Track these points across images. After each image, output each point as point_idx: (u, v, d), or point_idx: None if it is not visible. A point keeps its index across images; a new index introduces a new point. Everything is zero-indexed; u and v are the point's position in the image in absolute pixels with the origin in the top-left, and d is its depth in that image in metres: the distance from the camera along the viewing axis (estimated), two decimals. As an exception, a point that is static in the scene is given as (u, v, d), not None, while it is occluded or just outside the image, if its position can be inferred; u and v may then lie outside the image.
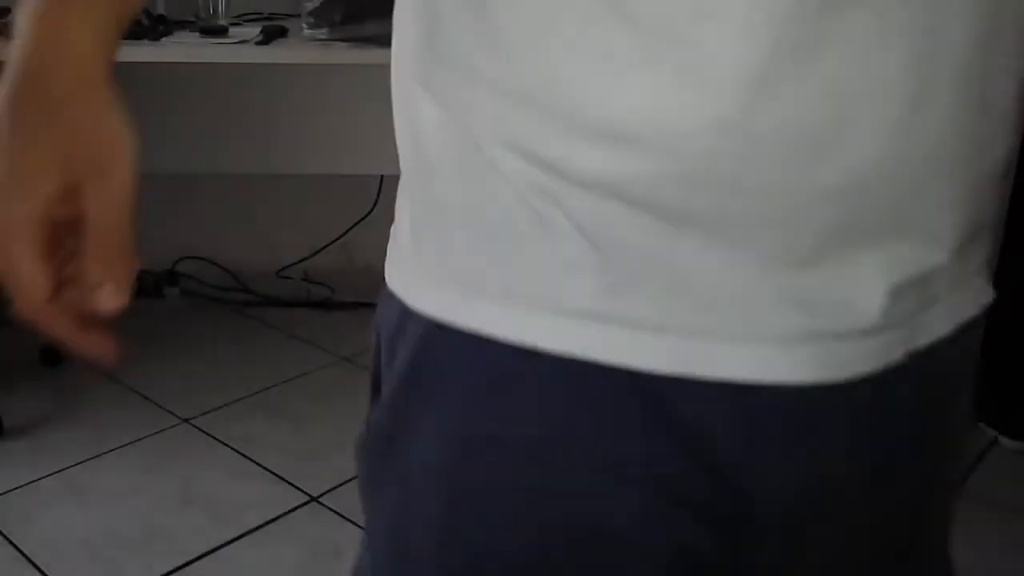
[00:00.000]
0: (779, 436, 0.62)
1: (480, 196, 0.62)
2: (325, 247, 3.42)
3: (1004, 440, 2.64)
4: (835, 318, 0.60)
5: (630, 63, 0.55)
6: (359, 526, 2.21)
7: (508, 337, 0.61)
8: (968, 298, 0.72)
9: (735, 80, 0.54)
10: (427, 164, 0.65)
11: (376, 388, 0.76)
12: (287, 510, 2.31)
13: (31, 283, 0.59)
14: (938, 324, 0.67)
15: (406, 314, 0.67)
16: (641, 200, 0.57)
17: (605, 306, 0.60)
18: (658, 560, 0.63)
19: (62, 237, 0.60)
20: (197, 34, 2.54)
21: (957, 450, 0.76)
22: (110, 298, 0.62)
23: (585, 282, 0.60)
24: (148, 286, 3.42)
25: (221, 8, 2.55)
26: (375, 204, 3.25)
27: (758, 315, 0.59)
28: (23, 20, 0.60)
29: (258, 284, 3.48)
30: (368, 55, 2.38)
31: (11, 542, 2.17)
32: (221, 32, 2.53)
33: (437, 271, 0.65)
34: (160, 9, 2.72)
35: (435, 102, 0.63)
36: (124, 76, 2.76)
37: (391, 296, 0.70)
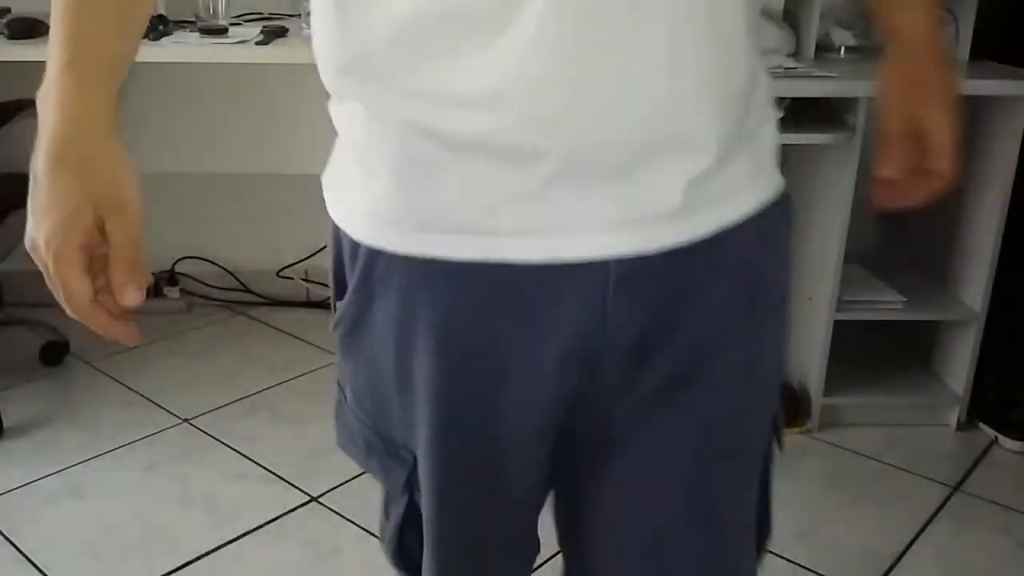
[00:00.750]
0: (613, 297, 0.88)
1: (393, 161, 0.88)
2: (325, 247, 3.39)
3: (1004, 440, 2.64)
4: (646, 208, 0.86)
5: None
6: (359, 526, 2.23)
7: (420, 253, 0.88)
8: (744, 196, 0.92)
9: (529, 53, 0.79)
10: (355, 139, 0.93)
11: (338, 285, 1.00)
12: (287, 510, 2.32)
13: (79, 293, 0.83)
14: (725, 213, 0.90)
15: (354, 243, 0.93)
16: (502, 146, 0.82)
17: (483, 226, 0.86)
18: (533, 384, 0.93)
19: (93, 256, 0.84)
20: (197, 34, 2.54)
21: (766, 303, 0.98)
22: (132, 295, 0.84)
23: (469, 210, 0.86)
24: (148, 286, 3.41)
25: (221, 8, 2.55)
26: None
27: (596, 215, 0.85)
28: (46, 105, 0.83)
29: (258, 284, 3.49)
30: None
31: (11, 542, 2.18)
32: (221, 32, 2.53)
33: (366, 212, 0.92)
34: (160, 9, 2.71)
35: (354, 98, 0.90)
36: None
37: (335, 223, 0.98)
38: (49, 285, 0.85)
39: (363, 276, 0.93)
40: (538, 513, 1.07)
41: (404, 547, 1.08)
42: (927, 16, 1.03)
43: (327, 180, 1.01)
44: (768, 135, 0.96)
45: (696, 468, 0.97)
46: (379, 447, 1.03)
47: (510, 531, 1.07)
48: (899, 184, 1.03)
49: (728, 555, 1.03)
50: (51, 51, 0.85)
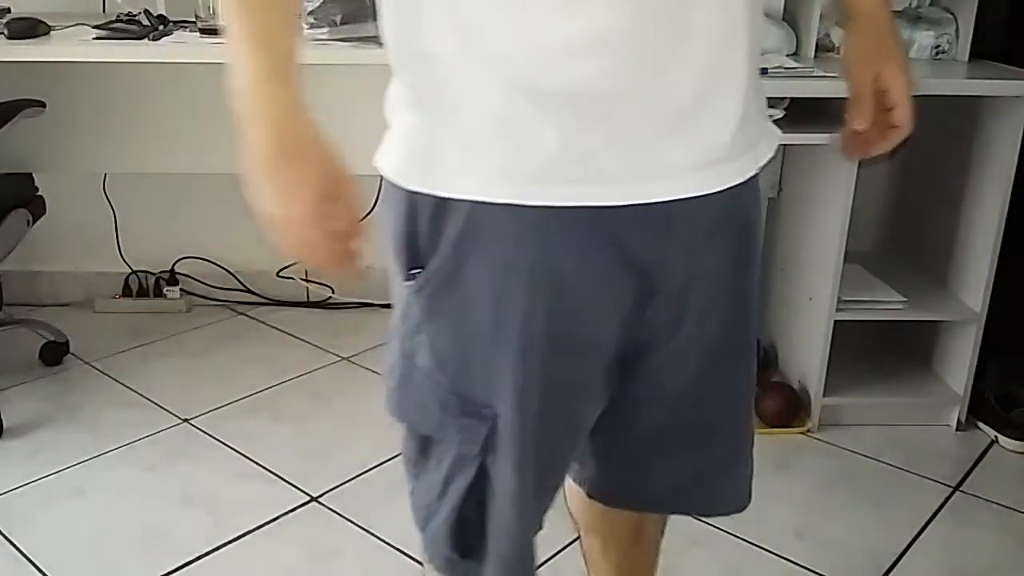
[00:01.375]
0: (676, 234, 1.07)
1: (492, 118, 0.98)
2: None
3: (1004, 440, 2.64)
4: (705, 153, 1.04)
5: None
6: (359, 526, 2.23)
7: (522, 202, 0.99)
8: (764, 144, 1.12)
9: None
10: (443, 102, 1.00)
11: (411, 252, 1.08)
12: (287, 510, 2.31)
13: (323, 248, 1.02)
14: (758, 155, 1.12)
15: (443, 202, 1.01)
16: (597, 93, 0.96)
17: (578, 173, 0.99)
18: (610, 315, 1.09)
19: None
20: (197, 34, 2.54)
21: (755, 249, 1.20)
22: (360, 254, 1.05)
23: (565, 159, 0.98)
24: (147, 286, 3.43)
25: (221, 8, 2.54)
26: (375, 204, 3.24)
27: (667, 159, 1.01)
28: (257, 104, 0.98)
29: (258, 284, 3.48)
30: (367, 55, 2.38)
31: (11, 542, 2.17)
32: (221, 32, 2.52)
33: (466, 170, 1.00)
34: (160, 9, 2.72)
35: (446, 60, 0.98)
36: (124, 76, 2.78)
37: (410, 196, 1.05)
38: (291, 250, 1.01)
39: (461, 232, 1.02)
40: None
41: (462, 521, 1.15)
42: None
43: (397, 152, 1.06)
44: (761, 88, 1.13)
45: (719, 344, 1.19)
46: (456, 408, 1.10)
47: (575, 450, 1.22)
48: (865, 136, 1.23)
49: (746, 386, 1.32)
50: (241, 54, 0.98)
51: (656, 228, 1.05)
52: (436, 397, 1.11)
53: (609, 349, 1.12)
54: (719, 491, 1.36)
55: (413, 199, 1.05)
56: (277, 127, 0.97)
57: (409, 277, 1.08)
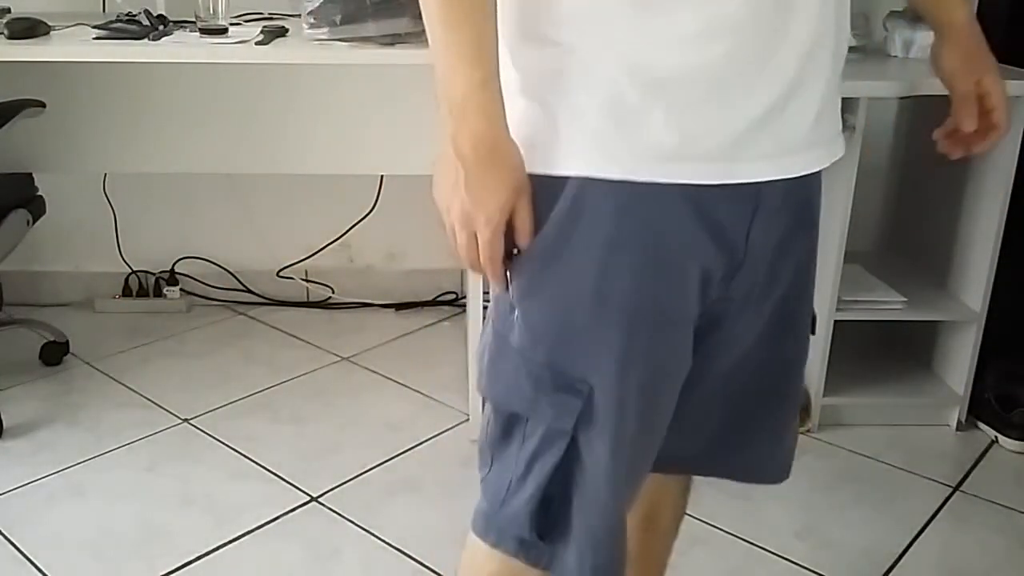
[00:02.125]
0: (762, 216, 1.13)
1: (607, 100, 1.04)
2: (325, 247, 3.42)
3: (1004, 440, 2.64)
4: (791, 138, 1.11)
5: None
6: (359, 526, 2.22)
7: (633, 179, 1.06)
8: (827, 151, 1.19)
9: None
10: (563, 85, 1.06)
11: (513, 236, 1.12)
12: (287, 510, 2.31)
13: (500, 256, 1.09)
14: (832, 150, 1.20)
15: (551, 180, 1.08)
16: (705, 79, 1.03)
17: (686, 153, 1.05)
18: (700, 289, 1.14)
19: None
20: (197, 34, 2.52)
21: (817, 234, 1.27)
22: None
23: (673, 139, 1.04)
24: (147, 286, 3.43)
25: (221, 8, 2.54)
26: (375, 204, 3.26)
27: (761, 142, 1.08)
28: (467, 111, 1.05)
29: (258, 284, 3.48)
30: (368, 55, 2.37)
31: (11, 542, 2.17)
32: (221, 32, 2.51)
33: (578, 148, 1.06)
34: (160, 9, 2.72)
35: (568, 46, 1.05)
36: (124, 76, 2.78)
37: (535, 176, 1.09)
38: (463, 250, 1.10)
39: (568, 209, 1.08)
40: None
41: (546, 500, 1.18)
42: (966, 7, 1.39)
43: (530, 136, 1.09)
44: (839, 91, 1.22)
45: (783, 318, 1.27)
46: (549, 384, 1.15)
47: (666, 419, 1.24)
48: (968, 136, 1.40)
49: (802, 359, 1.36)
50: (455, 66, 1.05)
51: (745, 207, 1.12)
52: (529, 373, 1.15)
53: (695, 322, 1.18)
54: (765, 459, 1.40)
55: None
56: (486, 134, 1.05)
57: (509, 256, 1.13)
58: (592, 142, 1.06)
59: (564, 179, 1.08)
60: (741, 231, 1.14)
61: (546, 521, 1.20)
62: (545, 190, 1.09)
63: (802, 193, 1.19)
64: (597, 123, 1.05)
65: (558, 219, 1.09)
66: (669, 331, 1.16)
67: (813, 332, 1.34)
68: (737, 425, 1.34)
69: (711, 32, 1.03)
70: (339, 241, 3.40)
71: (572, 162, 1.08)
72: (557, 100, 1.07)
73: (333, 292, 3.47)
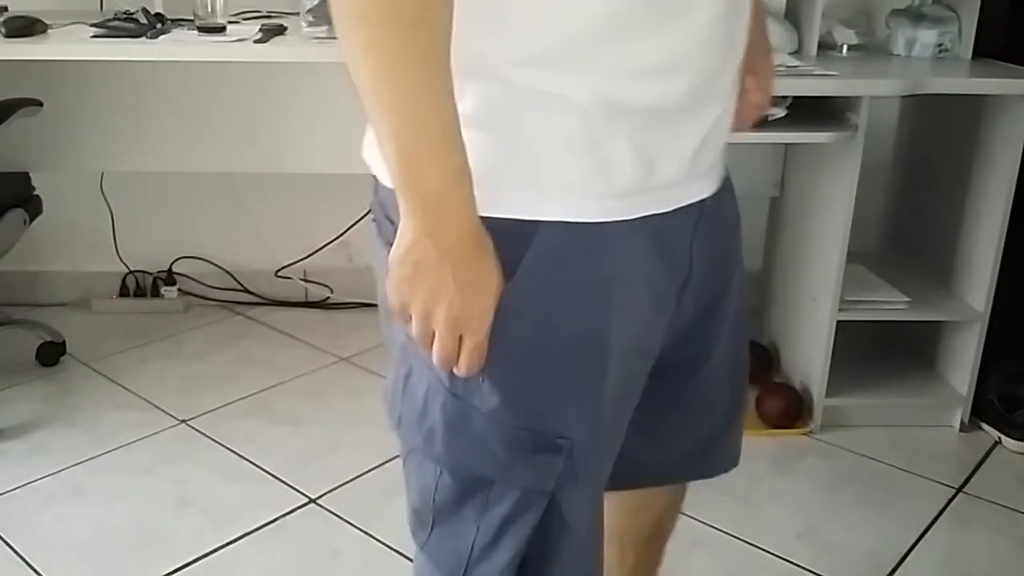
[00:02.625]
0: (700, 229, 1.13)
1: (565, 136, 0.99)
2: (324, 247, 3.41)
3: (1007, 441, 2.63)
4: (716, 154, 1.14)
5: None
6: (358, 528, 2.20)
7: (599, 219, 1.02)
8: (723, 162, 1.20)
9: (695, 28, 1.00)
10: (517, 121, 0.99)
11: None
12: (285, 512, 2.30)
13: (484, 349, 1.01)
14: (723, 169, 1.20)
15: (521, 224, 1.00)
16: (673, 108, 1.02)
17: (645, 184, 1.03)
18: (662, 318, 1.14)
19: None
20: (195, 32, 2.53)
21: (738, 242, 1.28)
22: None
23: (637, 173, 1.02)
24: (145, 286, 3.42)
25: (219, 6, 2.54)
26: (373, 205, 3.23)
27: (704, 160, 1.10)
28: (447, 202, 0.95)
29: (256, 284, 3.47)
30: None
31: (8, 543, 2.16)
32: (219, 30, 2.52)
33: (542, 190, 1.00)
34: (158, 7, 2.72)
35: (536, 86, 0.98)
36: (122, 75, 2.76)
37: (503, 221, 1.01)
38: (448, 354, 1.01)
39: (538, 254, 1.01)
40: None
41: (522, 564, 1.11)
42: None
43: (486, 177, 0.99)
44: None
45: (737, 323, 1.30)
46: (528, 445, 1.07)
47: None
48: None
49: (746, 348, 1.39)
50: (425, 154, 0.94)
51: (688, 223, 1.11)
52: (502, 437, 1.07)
53: (657, 351, 1.17)
54: (721, 452, 1.41)
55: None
56: (470, 225, 0.96)
57: None
58: (558, 183, 1.00)
59: (529, 223, 1.01)
60: (686, 248, 1.13)
61: None
62: (506, 236, 1.00)
63: (727, 198, 1.21)
64: (562, 163, 1.00)
65: (527, 269, 1.01)
66: (638, 366, 1.15)
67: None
68: (707, 429, 1.35)
69: (675, 62, 1.00)
70: (338, 240, 3.39)
71: (536, 205, 1.01)
72: (517, 139, 0.99)
73: (332, 292, 3.46)
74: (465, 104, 0.97)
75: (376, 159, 1.08)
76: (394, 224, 1.04)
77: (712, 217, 1.15)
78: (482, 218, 0.98)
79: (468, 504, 1.10)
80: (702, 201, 1.11)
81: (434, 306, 0.98)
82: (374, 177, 1.13)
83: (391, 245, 1.02)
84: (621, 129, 0.99)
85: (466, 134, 0.97)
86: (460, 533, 1.11)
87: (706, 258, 1.16)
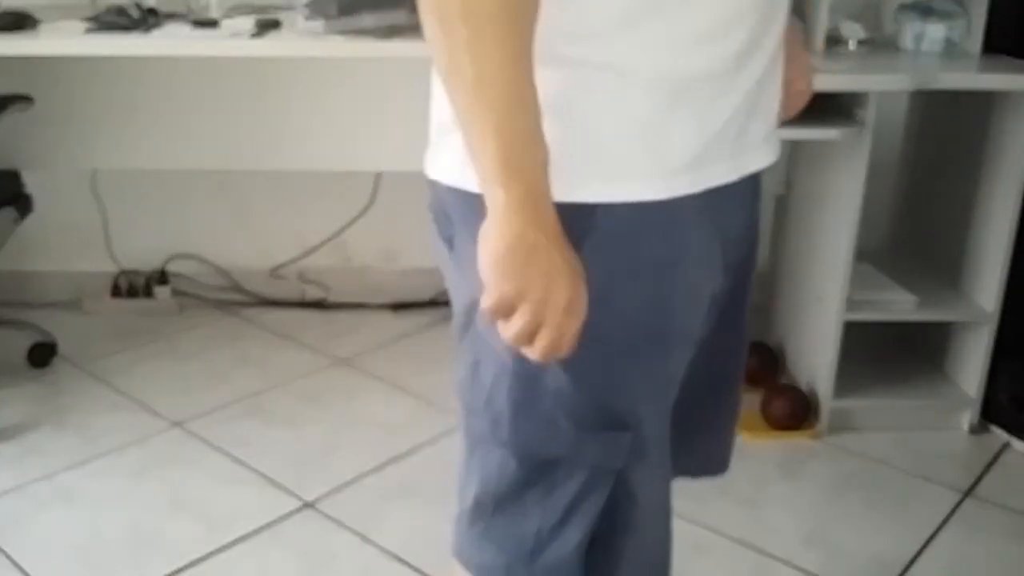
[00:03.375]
0: (747, 203, 1.20)
1: (637, 114, 1.01)
2: (320, 246, 3.40)
3: (1017, 443, 2.62)
4: (770, 126, 1.16)
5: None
6: (355, 532, 2.19)
7: (663, 196, 1.04)
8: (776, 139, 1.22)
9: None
10: (579, 106, 1.02)
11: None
12: (280, 516, 2.30)
13: (569, 331, 0.99)
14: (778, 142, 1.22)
15: (580, 209, 1.01)
16: (724, 71, 1.04)
17: (704, 156, 1.05)
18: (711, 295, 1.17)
19: None
20: (188, 27, 2.54)
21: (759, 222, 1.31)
22: None
23: (698, 146, 1.04)
24: (138, 286, 3.41)
25: (213, 0, 2.54)
26: (371, 201, 3.24)
27: (760, 132, 1.13)
28: (531, 192, 0.96)
29: (251, 284, 3.45)
30: (364, 48, 2.37)
31: (-2, 548, 2.17)
32: (213, 25, 2.53)
33: (605, 171, 1.03)
34: (150, 1, 2.72)
35: (593, 61, 1.00)
36: (114, 70, 2.71)
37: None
38: (557, 329, 0.99)
39: (605, 235, 1.03)
40: None
41: (592, 543, 1.15)
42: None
43: (564, 166, 1.01)
44: None
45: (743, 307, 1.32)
46: (596, 422, 1.11)
47: None
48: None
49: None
50: (523, 147, 0.96)
51: (739, 200, 1.15)
52: (570, 413, 1.10)
53: (705, 331, 1.20)
54: (714, 452, 1.43)
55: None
56: (548, 215, 0.97)
57: None
58: (623, 165, 1.03)
59: (590, 206, 1.03)
60: (734, 223, 1.16)
61: (589, 561, 1.17)
62: (570, 220, 1.02)
63: (756, 184, 1.22)
64: (626, 144, 1.02)
65: (592, 251, 1.03)
66: (690, 351, 1.18)
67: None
68: (695, 421, 1.33)
69: (727, 25, 1.02)
70: (335, 240, 3.38)
71: (600, 187, 1.03)
72: (579, 123, 1.02)
73: (328, 292, 3.45)
74: None
75: (436, 162, 1.12)
76: (451, 219, 1.12)
77: (756, 193, 1.20)
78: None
79: (533, 488, 1.15)
80: (755, 175, 1.14)
81: (551, 290, 0.97)
82: (431, 182, 1.14)
83: (449, 241, 1.13)
84: (678, 99, 1.01)
85: None
86: (525, 516, 1.16)
87: (745, 231, 1.21)
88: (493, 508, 1.17)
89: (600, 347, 1.07)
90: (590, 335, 1.04)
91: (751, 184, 1.16)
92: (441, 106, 1.08)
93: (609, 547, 1.16)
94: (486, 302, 0.99)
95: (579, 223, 1.01)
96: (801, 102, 1.36)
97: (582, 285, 0.99)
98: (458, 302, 1.18)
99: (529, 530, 1.15)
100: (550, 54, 0.99)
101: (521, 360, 1.07)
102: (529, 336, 0.99)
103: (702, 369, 1.26)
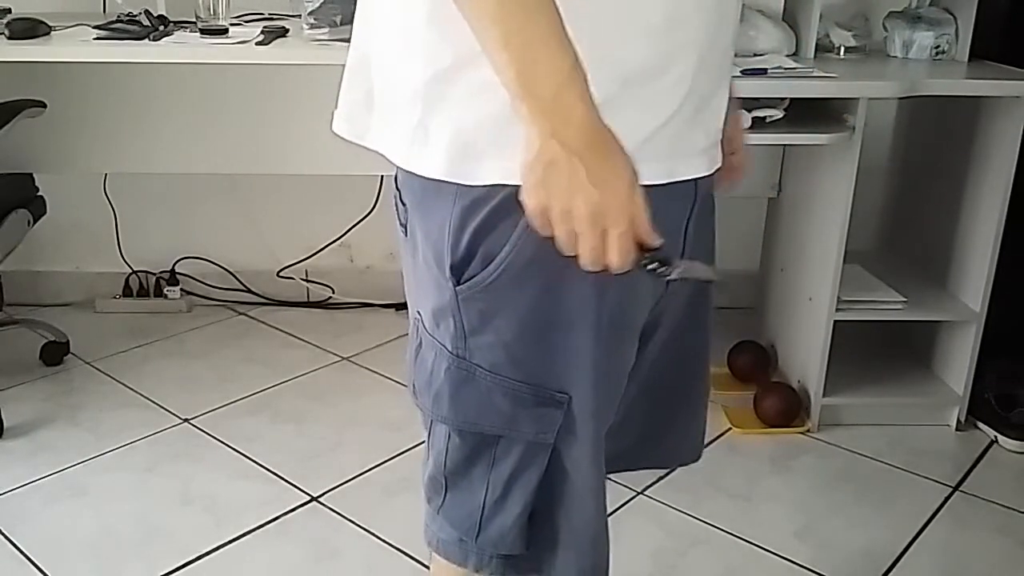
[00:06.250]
0: (696, 212, 1.17)
1: None
2: (325, 247, 3.42)
3: (1003, 440, 2.64)
4: (714, 133, 1.15)
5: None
6: (359, 526, 2.20)
7: None
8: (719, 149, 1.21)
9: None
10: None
11: (468, 257, 1.08)
12: (287, 510, 2.31)
13: (627, 238, 0.97)
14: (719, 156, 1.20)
15: (512, 192, 1.00)
16: (667, 68, 1.03)
17: (640, 153, 0.99)
18: (651, 292, 1.18)
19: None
20: (197, 34, 2.53)
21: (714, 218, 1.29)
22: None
23: (642, 135, 1.04)
24: (148, 286, 3.43)
25: (221, 8, 2.54)
26: (375, 204, 3.26)
27: (700, 138, 1.12)
28: (566, 96, 0.94)
29: (258, 284, 3.48)
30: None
31: (11, 541, 2.17)
32: (221, 32, 2.52)
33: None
34: (161, 9, 2.72)
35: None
36: (125, 76, 2.78)
37: (470, 192, 1.05)
38: (594, 251, 0.97)
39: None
40: None
41: (531, 516, 1.19)
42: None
43: (453, 148, 1.04)
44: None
45: (704, 304, 1.31)
46: (530, 399, 1.14)
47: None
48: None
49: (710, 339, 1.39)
50: (536, 56, 0.93)
51: (684, 205, 1.14)
52: (506, 392, 1.14)
53: (642, 322, 1.20)
54: (682, 442, 1.44)
55: (473, 195, 1.05)
56: (591, 120, 0.95)
57: (468, 278, 1.09)
58: None
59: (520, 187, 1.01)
60: (680, 229, 1.16)
61: (533, 536, 1.21)
62: (504, 203, 1.03)
63: (711, 182, 1.20)
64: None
65: (522, 232, 1.04)
66: (629, 338, 1.19)
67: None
68: (660, 412, 1.36)
69: (679, 19, 1.02)
70: (339, 241, 3.39)
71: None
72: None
73: (333, 292, 3.47)
74: (454, 78, 1.02)
75: (382, 137, 1.12)
76: (405, 205, 1.13)
77: (704, 204, 1.18)
78: (472, 188, 1.04)
79: (477, 463, 1.18)
80: (696, 180, 1.13)
81: (571, 203, 0.96)
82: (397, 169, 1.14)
83: (405, 227, 1.14)
84: (623, 90, 1.01)
85: (450, 108, 1.03)
86: (472, 492, 1.20)
87: (699, 244, 1.20)
88: (446, 485, 1.22)
89: (532, 328, 1.11)
90: (523, 315, 1.10)
91: (697, 188, 1.15)
92: (392, 78, 1.08)
93: (547, 522, 1.20)
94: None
95: (519, 205, 1.00)
96: (737, 176, 1.35)
97: (618, 194, 0.96)
98: (407, 286, 1.22)
99: (476, 504, 1.20)
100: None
101: (454, 339, 1.13)
102: (569, 246, 0.98)
103: (665, 366, 1.29)
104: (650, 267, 1.01)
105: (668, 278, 1.05)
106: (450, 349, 1.15)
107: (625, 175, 0.96)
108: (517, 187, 0.99)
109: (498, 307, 1.10)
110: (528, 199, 0.97)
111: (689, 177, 1.12)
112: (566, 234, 0.97)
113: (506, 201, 1.02)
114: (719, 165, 1.19)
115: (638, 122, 1.03)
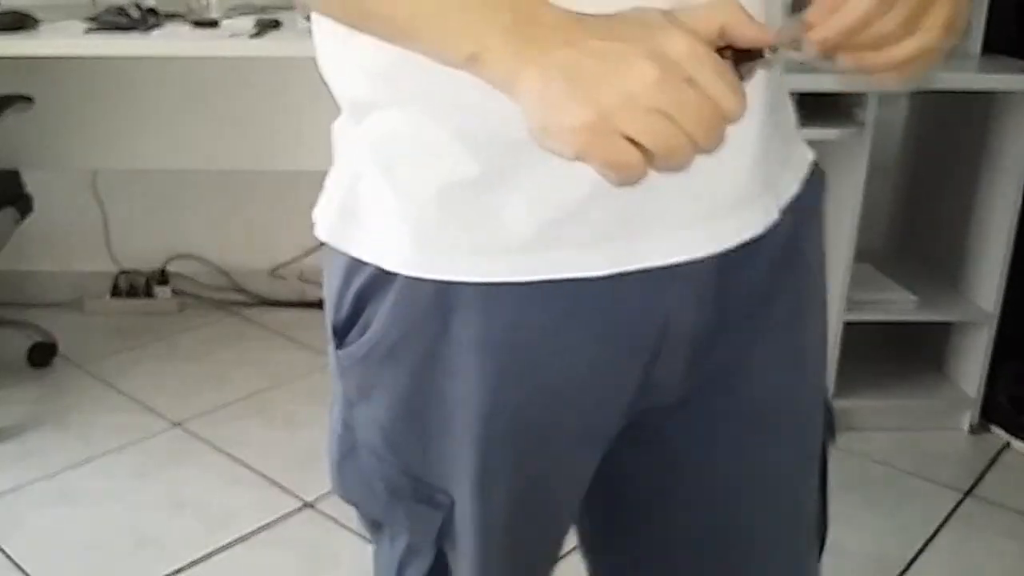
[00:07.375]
0: (676, 299, 0.87)
1: (445, 177, 0.83)
2: (320, 246, 3.37)
3: (1017, 444, 2.62)
4: (715, 198, 0.85)
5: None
6: (355, 532, 2.17)
7: (474, 280, 0.85)
8: (787, 176, 0.96)
9: None
10: (388, 159, 0.87)
11: (350, 320, 0.94)
12: (281, 516, 2.30)
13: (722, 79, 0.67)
14: (780, 193, 0.93)
15: (385, 274, 0.87)
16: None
17: (545, 240, 0.83)
18: (605, 397, 0.92)
19: None
20: (188, 27, 2.55)
21: (808, 295, 1.00)
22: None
23: (529, 226, 0.82)
24: (138, 286, 3.41)
25: (213, 0, 2.55)
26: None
27: (664, 212, 0.84)
28: (527, 20, 0.67)
29: (251, 284, 3.46)
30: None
31: (0, 548, 2.17)
32: (213, 25, 2.54)
33: (416, 240, 0.86)
34: (150, 2, 2.71)
35: (399, 104, 0.84)
36: (114, 70, 2.72)
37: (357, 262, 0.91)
38: (662, 135, 0.64)
39: (406, 304, 0.87)
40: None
41: None
42: None
43: (336, 212, 0.96)
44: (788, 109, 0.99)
45: (755, 448, 0.98)
46: (408, 492, 0.96)
47: (553, 544, 1.04)
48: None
49: (794, 544, 1.04)
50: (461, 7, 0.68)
51: (656, 285, 0.86)
52: (383, 477, 0.97)
53: (607, 432, 0.96)
54: None
55: (352, 261, 0.93)
56: (566, 15, 0.66)
57: (348, 344, 0.95)
58: (425, 233, 0.85)
59: (393, 273, 0.88)
60: (652, 316, 0.88)
61: None
62: (372, 279, 0.89)
63: (769, 242, 0.91)
64: (431, 209, 0.84)
65: (396, 313, 0.88)
66: (547, 448, 0.94)
67: (833, 437, 1.03)
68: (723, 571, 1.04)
69: None
70: (335, 240, 3.36)
71: (400, 256, 0.87)
72: (391, 178, 0.87)
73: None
74: (357, 137, 0.92)
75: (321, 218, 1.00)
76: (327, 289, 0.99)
77: (715, 281, 0.89)
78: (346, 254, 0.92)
79: (381, 535, 1.04)
80: (670, 266, 0.85)
81: (625, 85, 0.64)
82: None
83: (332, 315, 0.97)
84: (504, 165, 0.81)
85: (346, 168, 0.94)
86: (381, 557, 1.05)
87: (700, 320, 0.90)
88: (372, 538, 1.08)
89: (409, 413, 0.93)
90: (399, 398, 0.92)
91: (714, 263, 0.87)
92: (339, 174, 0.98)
93: None
94: None
95: (381, 281, 0.89)
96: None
97: (660, 21, 0.65)
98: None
99: (383, 566, 1.05)
100: (381, 86, 0.86)
101: (344, 405, 0.98)
102: (665, 145, 0.64)
103: (727, 497, 1.00)
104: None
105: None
106: (340, 413, 1.00)
107: (653, 13, 0.67)
108: (367, 263, 0.89)
109: (373, 382, 0.94)
110: (567, 149, 0.66)
111: (649, 265, 0.84)
112: (649, 130, 0.64)
113: (379, 273, 0.88)
114: (730, 243, 0.87)
115: (546, 198, 0.81)
